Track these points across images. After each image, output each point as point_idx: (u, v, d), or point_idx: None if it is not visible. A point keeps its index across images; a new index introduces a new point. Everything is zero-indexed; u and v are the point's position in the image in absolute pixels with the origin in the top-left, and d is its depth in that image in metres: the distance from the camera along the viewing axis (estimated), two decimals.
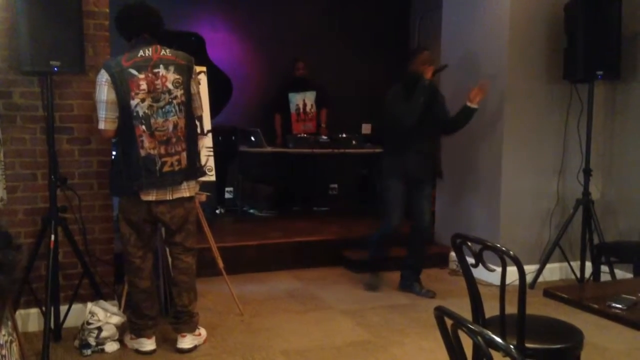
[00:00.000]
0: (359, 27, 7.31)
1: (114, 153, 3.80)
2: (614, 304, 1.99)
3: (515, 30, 4.60)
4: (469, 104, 4.23)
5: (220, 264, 3.86)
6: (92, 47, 3.58)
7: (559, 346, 2.27)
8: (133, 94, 3.07)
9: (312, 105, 6.69)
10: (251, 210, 6.56)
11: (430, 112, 4.16)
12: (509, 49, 4.60)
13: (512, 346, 1.39)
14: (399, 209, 4.27)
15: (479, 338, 1.40)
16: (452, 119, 4.34)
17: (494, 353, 1.41)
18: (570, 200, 4.71)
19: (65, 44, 3.27)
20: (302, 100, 6.67)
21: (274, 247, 5.10)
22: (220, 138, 5.77)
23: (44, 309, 3.35)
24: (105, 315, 3.32)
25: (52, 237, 3.33)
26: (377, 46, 7.32)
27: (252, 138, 6.28)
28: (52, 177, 3.38)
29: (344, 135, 6.41)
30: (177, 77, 3.15)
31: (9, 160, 3.39)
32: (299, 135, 6.45)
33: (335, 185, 7.46)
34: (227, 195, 6.71)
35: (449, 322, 1.53)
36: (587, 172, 4.54)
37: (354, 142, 6.42)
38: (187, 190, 3.24)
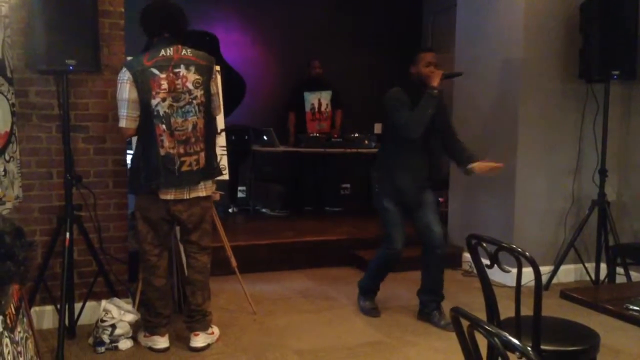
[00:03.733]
0: (371, 27, 7.31)
1: (129, 152, 3.83)
2: (631, 306, 1.97)
3: (530, 30, 4.56)
4: (469, 169, 3.69)
5: (234, 263, 3.87)
6: (107, 46, 3.60)
7: (575, 348, 2.25)
8: (154, 93, 3.09)
9: (327, 104, 6.69)
10: (263, 210, 6.57)
11: (432, 123, 3.61)
12: (524, 47, 4.57)
13: (529, 347, 1.37)
14: (400, 228, 3.74)
15: (496, 339, 1.39)
16: (448, 146, 3.79)
17: (509, 355, 1.40)
18: (586, 200, 4.67)
19: (81, 43, 3.29)
20: (317, 100, 6.67)
21: (286, 247, 5.10)
22: (233, 137, 5.80)
23: (58, 306, 3.37)
24: (119, 313, 3.34)
25: (67, 235, 3.36)
26: (390, 45, 7.31)
27: (265, 137, 6.29)
28: (68, 175, 3.41)
29: (356, 135, 6.40)
30: (198, 77, 3.17)
31: (25, 159, 3.42)
32: (312, 135, 6.45)
33: (348, 185, 7.46)
34: (239, 194, 6.73)
35: (464, 323, 1.53)
36: (603, 173, 4.50)
37: (366, 141, 6.41)
38: (204, 189, 3.26)
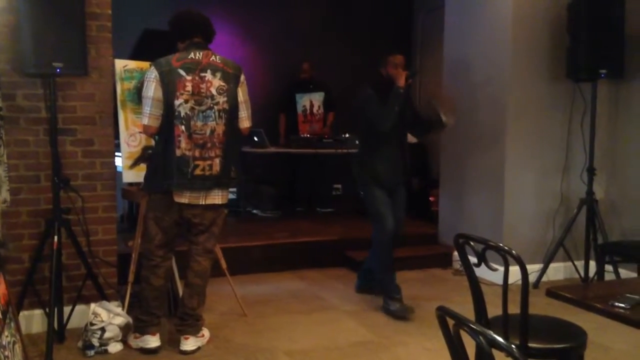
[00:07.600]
0: (362, 27, 7.31)
1: (118, 154, 3.81)
2: (617, 304, 1.98)
3: (518, 29, 4.59)
4: (445, 119, 3.98)
5: (224, 265, 3.86)
6: (95, 48, 3.58)
7: (562, 346, 2.26)
8: (178, 93, 3.12)
9: (319, 106, 6.68)
10: (254, 211, 6.56)
11: (401, 119, 3.96)
12: (512, 47, 4.59)
13: (514, 346, 1.38)
14: (389, 207, 3.97)
15: (481, 338, 1.40)
16: (422, 126, 4.19)
17: (496, 353, 1.41)
18: (574, 199, 4.70)
19: (68, 45, 3.28)
20: (309, 101, 6.67)
21: (277, 248, 5.10)
22: None
23: (47, 310, 3.35)
24: (108, 316, 3.33)
25: (55, 238, 3.34)
26: (380, 45, 7.29)
27: (255, 138, 6.28)
28: (55, 178, 3.39)
29: (347, 136, 6.40)
30: (222, 84, 3.21)
31: (13, 162, 3.40)
32: (303, 136, 6.44)
33: (339, 186, 7.45)
34: (230, 196, 6.70)
35: (451, 322, 1.53)
36: (591, 172, 4.53)
37: (357, 142, 6.40)
38: (219, 197, 3.29)
